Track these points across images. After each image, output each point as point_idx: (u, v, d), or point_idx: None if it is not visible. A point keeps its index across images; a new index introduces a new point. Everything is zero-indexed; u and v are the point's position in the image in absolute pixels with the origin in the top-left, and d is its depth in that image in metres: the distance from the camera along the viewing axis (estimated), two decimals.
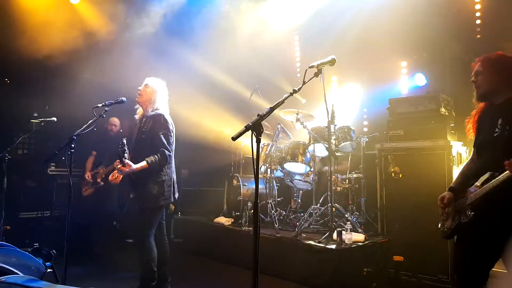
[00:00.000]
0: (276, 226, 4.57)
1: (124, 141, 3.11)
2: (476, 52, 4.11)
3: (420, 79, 4.97)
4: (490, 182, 2.01)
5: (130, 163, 3.12)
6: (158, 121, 3.27)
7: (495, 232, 2.05)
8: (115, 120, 5.57)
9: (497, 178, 1.96)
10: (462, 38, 4.65)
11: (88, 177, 5.27)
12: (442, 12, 4.69)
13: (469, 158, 2.48)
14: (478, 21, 4.69)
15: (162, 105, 3.39)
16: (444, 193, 2.39)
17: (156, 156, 3.17)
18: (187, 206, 6.08)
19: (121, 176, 3.25)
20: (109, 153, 5.14)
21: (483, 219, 2.08)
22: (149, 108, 3.35)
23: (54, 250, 3.81)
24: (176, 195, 3.42)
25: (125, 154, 3.07)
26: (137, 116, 3.46)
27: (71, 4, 5.99)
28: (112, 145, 4.97)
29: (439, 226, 2.40)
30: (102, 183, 5.21)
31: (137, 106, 3.47)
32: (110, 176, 3.31)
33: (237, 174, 5.51)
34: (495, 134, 2.14)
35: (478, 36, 4.62)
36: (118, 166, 3.14)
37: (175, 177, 3.43)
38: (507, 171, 1.89)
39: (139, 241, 3.27)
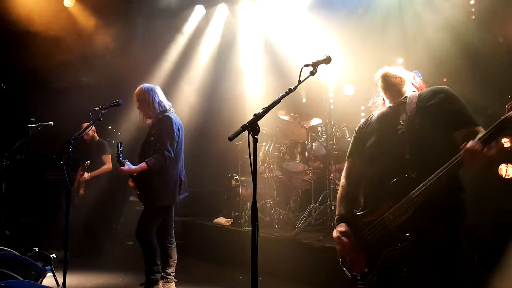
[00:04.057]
0: (276, 225, 4.58)
1: (120, 144, 3.19)
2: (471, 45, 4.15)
3: (418, 75, 4.97)
4: (423, 184, 1.60)
5: (128, 163, 3.22)
6: (164, 123, 3.35)
7: (452, 248, 1.64)
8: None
9: (440, 171, 1.56)
10: (456, 33, 4.65)
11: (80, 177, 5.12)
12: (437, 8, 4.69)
13: (346, 176, 2.03)
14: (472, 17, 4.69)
15: (163, 107, 3.44)
16: (339, 227, 1.86)
17: (155, 158, 3.24)
18: (186, 207, 6.07)
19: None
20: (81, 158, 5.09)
21: (427, 239, 1.62)
22: (155, 114, 3.43)
23: (53, 254, 3.81)
24: (181, 196, 3.47)
25: (120, 156, 3.15)
26: (149, 121, 3.52)
27: (65, 8, 5.99)
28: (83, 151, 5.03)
29: (348, 274, 1.85)
30: (82, 192, 5.02)
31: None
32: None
33: (235, 175, 5.51)
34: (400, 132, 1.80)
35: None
36: (118, 167, 3.24)
37: (183, 178, 3.49)
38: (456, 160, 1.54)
39: (141, 238, 3.34)
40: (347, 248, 1.82)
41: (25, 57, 5.76)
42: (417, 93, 1.91)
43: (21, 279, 2.61)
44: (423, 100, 1.81)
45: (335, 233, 1.88)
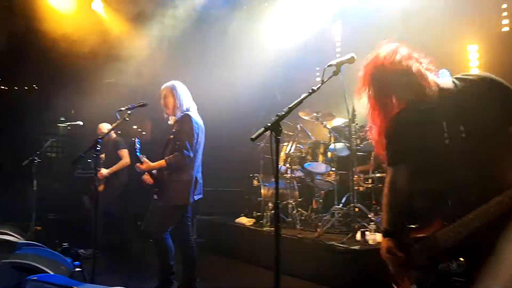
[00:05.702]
0: (298, 226, 4.55)
1: (137, 140, 3.22)
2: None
3: (445, 75, 4.84)
4: (480, 209, 1.45)
5: (147, 160, 3.25)
6: (184, 122, 3.36)
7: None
8: (100, 127, 5.20)
9: (497, 200, 1.41)
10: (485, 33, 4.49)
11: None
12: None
13: (389, 185, 1.86)
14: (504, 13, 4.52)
15: (187, 106, 3.45)
16: (387, 242, 1.78)
17: (175, 156, 3.25)
18: (208, 207, 6.12)
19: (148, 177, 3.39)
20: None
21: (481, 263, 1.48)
22: (177, 113, 3.45)
23: (82, 250, 3.94)
24: (196, 197, 3.40)
25: (138, 153, 3.18)
26: (173, 118, 3.54)
27: (92, 10, 6.16)
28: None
29: None
30: (101, 188, 4.98)
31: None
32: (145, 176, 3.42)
33: (257, 175, 5.51)
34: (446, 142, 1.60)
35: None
36: (136, 164, 3.27)
37: (199, 179, 3.46)
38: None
39: (156, 237, 3.34)
40: (396, 263, 1.73)
41: (56, 59, 5.98)
42: (452, 84, 1.60)
43: (52, 273, 2.71)
44: (465, 96, 1.53)
45: (383, 248, 1.79)
